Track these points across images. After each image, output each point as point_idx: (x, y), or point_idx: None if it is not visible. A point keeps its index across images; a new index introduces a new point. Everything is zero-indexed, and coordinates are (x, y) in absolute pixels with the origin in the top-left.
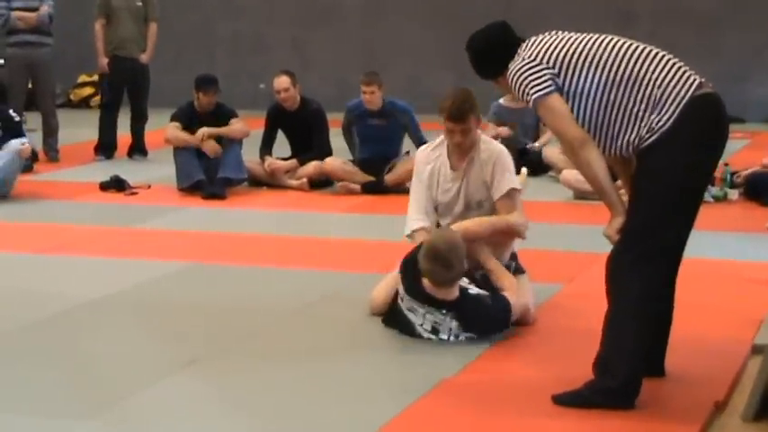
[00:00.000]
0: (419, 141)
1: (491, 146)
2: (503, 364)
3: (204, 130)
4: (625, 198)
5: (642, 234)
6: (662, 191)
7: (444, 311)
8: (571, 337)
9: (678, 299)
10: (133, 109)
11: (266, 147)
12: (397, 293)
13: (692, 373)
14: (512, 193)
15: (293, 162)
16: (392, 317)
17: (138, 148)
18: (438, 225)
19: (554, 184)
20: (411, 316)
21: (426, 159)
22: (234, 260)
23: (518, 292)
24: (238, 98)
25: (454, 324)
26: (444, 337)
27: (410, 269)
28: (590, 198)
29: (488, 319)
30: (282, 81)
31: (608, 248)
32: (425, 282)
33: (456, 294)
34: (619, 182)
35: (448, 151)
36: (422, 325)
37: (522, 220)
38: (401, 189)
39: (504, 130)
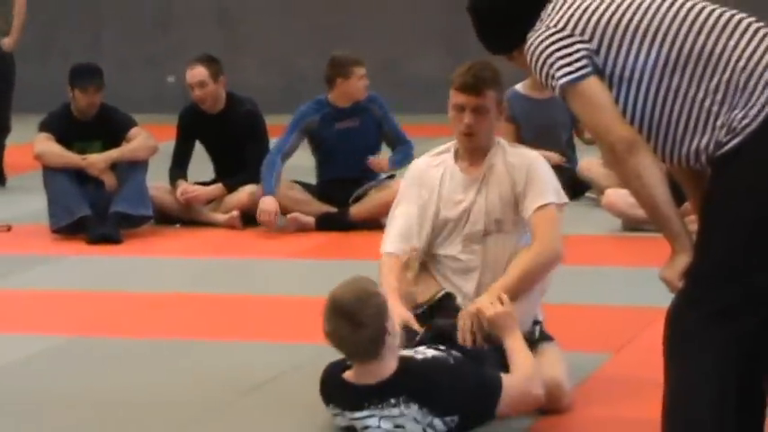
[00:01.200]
0: (399, 131)
1: (523, 150)
2: None
3: (96, 161)
4: (693, 227)
5: (718, 278)
6: (747, 216)
7: (393, 400)
8: (621, 428)
9: None
10: None
11: (178, 167)
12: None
13: None
14: (551, 210)
15: (218, 188)
16: None
17: None
18: (433, 255)
19: (594, 209)
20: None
21: (426, 165)
22: (134, 332)
23: (542, 367)
24: (137, 97)
25: (415, 408)
26: None
27: (332, 378)
28: (646, 228)
29: (452, 387)
30: (196, 73)
31: (670, 300)
32: (347, 375)
33: (393, 367)
34: (686, 205)
35: (456, 155)
36: None
37: (555, 246)
38: (372, 225)
39: (556, 157)
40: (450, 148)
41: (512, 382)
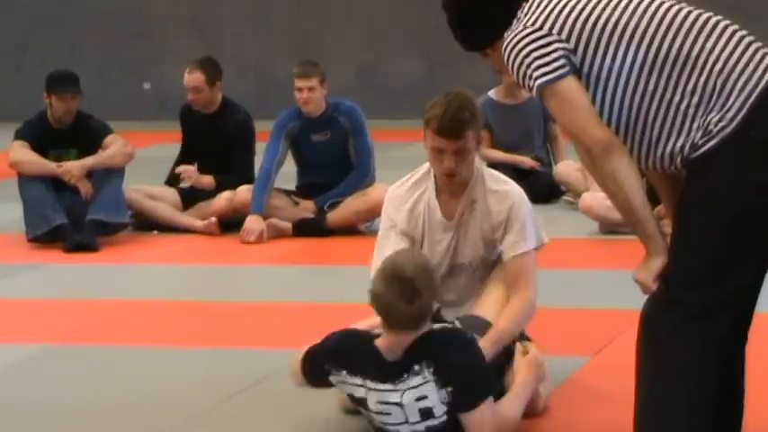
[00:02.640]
0: (362, 152)
1: (505, 186)
2: None
3: (72, 168)
4: (668, 231)
5: (692, 282)
6: (722, 219)
7: (417, 366)
8: (598, 431)
9: (750, 374)
10: None
11: (182, 163)
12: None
13: None
14: (530, 257)
15: (209, 179)
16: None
17: None
18: None
19: (571, 212)
20: (386, 419)
21: (401, 200)
22: (112, 340)
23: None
24: (112, 105)
25: (428, 374)
26: (440, 414)
27: (357, 343)
28: (623, 231)
29: (463, 353)
30: (193, 79)
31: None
32: (380, 340)
33: (420, 332)
34: (660, 208)
35: (436, 189)
36: (407, 421)
37: (528, 299)
38: (349, 231)
39: (529, 161)
40: (428, 177)
41: (499, 408)
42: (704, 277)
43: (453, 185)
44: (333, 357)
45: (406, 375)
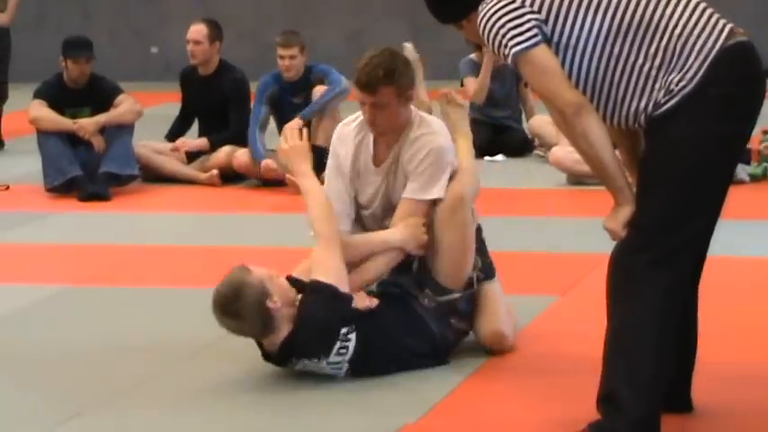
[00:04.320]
0: (330, 73)
1: (432, 135)
2: (477, 404)
3: (86, 125)
4: (631, 182)
5: (660, 227)
6: (684, 170)
7: (294, 359)
8: (566, 365)
9: (702, 310)
10: None
11: (181, 122)
12: None
13: (725, 407)
14: (421, 207)
15: (203, 141)
16: None
17: None
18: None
19: (542, 165)
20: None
21: (346, 138)
22: (122, 281)
23: (483, 318)
24: (123, 67)
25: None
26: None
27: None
28: (589, 182)
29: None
30: (196, 29)
31: (612, 247)
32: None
33: (287, 331)
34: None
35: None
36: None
37: (402, 236)
38: None
39: (472, 82)
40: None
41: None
42: (670, 222)
43: (377, 135)
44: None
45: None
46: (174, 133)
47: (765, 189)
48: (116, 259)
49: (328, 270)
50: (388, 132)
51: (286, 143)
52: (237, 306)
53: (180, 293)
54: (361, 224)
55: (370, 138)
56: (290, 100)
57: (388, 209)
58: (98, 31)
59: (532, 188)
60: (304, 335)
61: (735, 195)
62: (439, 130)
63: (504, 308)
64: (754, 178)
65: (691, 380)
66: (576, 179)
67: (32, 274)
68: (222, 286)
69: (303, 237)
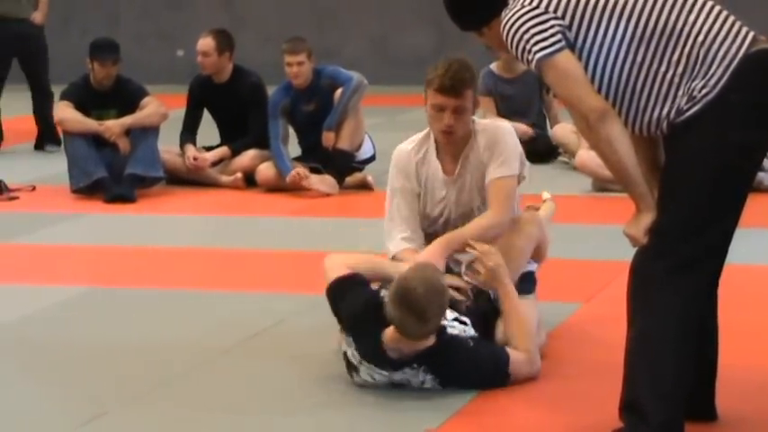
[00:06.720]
0: (339, 75)
1: (490, 122)
2: (500, 409)
3: (112, 126)
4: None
5: (680, 233)
6: (706, 177)
7: (416, 365)
8: (589, 372)
9: (724, 318)
10: (33, 86)
11: (189, 131)
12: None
13: (749, 415)
14: (510, 182)
15: (223, 150)
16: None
17: (48, 137)
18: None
19: (567, 171)
20: (367, 378)
21: (408, 160)
22: (147, 283)
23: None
24: (149, 70)
25: (428, 378)
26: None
27: (368, 324)
28: (613, 189)
29: (473, 371)
30: (204, 43)
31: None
32: (389, 333)
33: (430, 342)
34: None
35: (437, 150)
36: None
37: (505, 220)
38: (364, 186)
39: (523, 128)
40: (427, 139)
41: (518, 360)
42: (692, 229)
43: (450, 143)
44: (347, 319)
45: (403, 370)
46: (184, 139)
47: None
48: (141, 261)
49: None
50: (461, 140)
51: (484, 264)
52: (429, 311)
53: (205, 295)
54: (429, 239)
55: (433, 152)
56: (302, 109)
57: (458, 216)
58: (124, 33)
59: (558, 194)
60: (449, 354)
61: (757, 203)
62: (498, 123)
63: (536, 317)
64: None
65: (714, 387)
66: (600, 184)
67: (57, 274)
68: (419, 282)
69: (326, 240)
